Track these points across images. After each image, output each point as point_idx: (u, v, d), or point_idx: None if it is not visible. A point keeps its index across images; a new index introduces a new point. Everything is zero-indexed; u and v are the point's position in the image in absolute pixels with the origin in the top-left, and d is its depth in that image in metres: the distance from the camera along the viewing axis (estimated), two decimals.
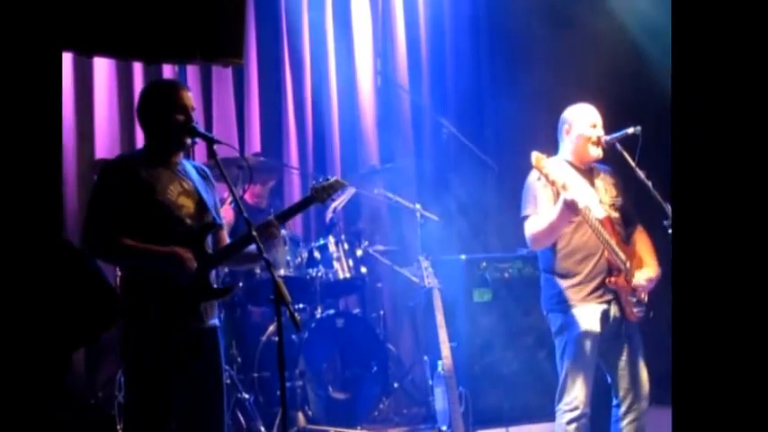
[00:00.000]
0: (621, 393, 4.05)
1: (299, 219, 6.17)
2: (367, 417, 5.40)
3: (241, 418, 5.11)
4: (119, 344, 3.34)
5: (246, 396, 5.08)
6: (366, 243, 5.75)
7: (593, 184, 4.11)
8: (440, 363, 4.80)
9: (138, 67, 5.63)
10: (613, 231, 3.97)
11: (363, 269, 5.61)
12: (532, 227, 3.98)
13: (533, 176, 4.04)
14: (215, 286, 3.46)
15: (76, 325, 2.80)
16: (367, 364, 5.42)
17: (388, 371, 5.58)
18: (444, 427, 4.79)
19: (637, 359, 4.05)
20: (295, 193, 6.16)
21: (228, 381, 4.85)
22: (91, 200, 3.39)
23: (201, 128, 3.44)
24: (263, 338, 5.29)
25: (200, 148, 4.88)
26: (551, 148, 4.15)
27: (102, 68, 5.52)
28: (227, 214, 4.93)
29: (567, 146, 4.15)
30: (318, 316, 5.37)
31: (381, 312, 6.01)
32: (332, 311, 5.45)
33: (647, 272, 4.05)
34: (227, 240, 3.58)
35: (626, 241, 4.09)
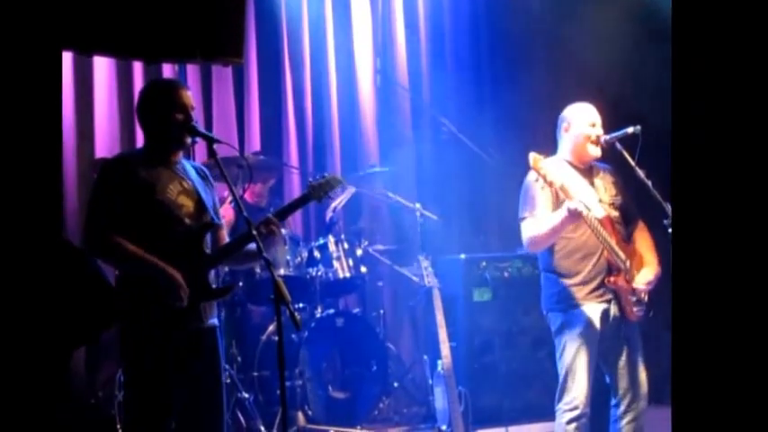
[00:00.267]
0: (620, 393, 4.05)
1: (299, 218, 6.18)
2: (367, 416, 5.40)
3: (241, 418, 5.11)
4: (118, 344, 3.34)
5: (246, 395, 5.09)
6: (366, 242, 5.75)
7: (592, 183, 4.11)
8: (439, 362, 4.80)
9: (137, 67, 5.63)
10: (613, 231, 3.97)
11: (363, 268, 5.62)
12: (530, 230, 3.98)
13: (531, 177, 4.04)
14: (214, 286, 3.46)
15: (76, 325, 2.80)
16: (367, 364, 5.42)
17: (388, 370, 5.59)
18: (444, 427, 4.79)
19: (636, 359, 4.05)
20: (295, 192, 6.16)
21: (228, 380, 4.86)
22: (91, 199, 3.39)
23: (201, 127, 3.44)
24: (263, 338, 5.29)
25: (200, 147, 4.88)
26: (551, 147, 4.15)
27: (102, 68, 5.52)
28: (227, 213, 4.94)
29: (566, 145, 4.14)
30: (318, 315, 5.37)
31: (381, 312, 6.01)
32: (332, 311, 5.45)
33: (645, 274, 4.05)
34: (227, 240, 3.58)
35: (626, 240, 4.09)
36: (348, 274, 5.49)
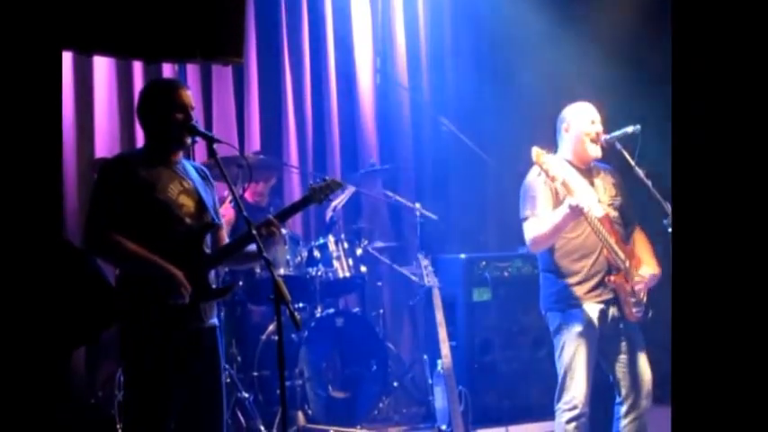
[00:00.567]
0: (623, 392, 4.05)
1: (298, 217, 6.18)
2: (367, 416, 5.40)
3: (241, 418, 5.11)
4: (118, 344, 3.34)
5: (246, 395, 5.09)
6: (366, 242, 5.75)
7: (592, 183, 4.11)
8: (439, 362, 4.80)
9: (137, 66, 5.62)
10: (612, 230, 3.97)
11: (363, 268, 5.62)
12: (532, 229, 3.97)
13: (531, 176, 4.04)
14: (214, 286, 3.46)
15: (76, 324, 2.80)
16: (367, 363, 5.42)
17: (388, 370, 5.58)
18: (444, 426, 4.79)
19: (638, 358, 4.04)
20: (295, 192, 6.16)
21: (228, 380, 4.86)
22: (91, 198, 3.39)
23: (201, 127, 3.44)
24: (263, 337, 5.29)
25: (199, 147, 4.88)
26: (551, 147, 4.14)
27: (102, 67, 5.52)
28: (227, 213, 4.94)
29: (566, 144, 4.14)
30: (318, 315, 5.37)
31: (381, 311, 6.02)
32: (332, 310, 5.45)
33: (646, 269, 4.06)
34: (227, 240, 3.58)
35: (625, 241, 4.09)
36: (348, 274, 5.49)
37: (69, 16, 3.15)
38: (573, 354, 3.96)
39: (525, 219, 4.02)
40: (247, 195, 5.62)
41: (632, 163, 4.00)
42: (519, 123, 6.18)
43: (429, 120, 6.66)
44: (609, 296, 3.99)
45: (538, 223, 3.95)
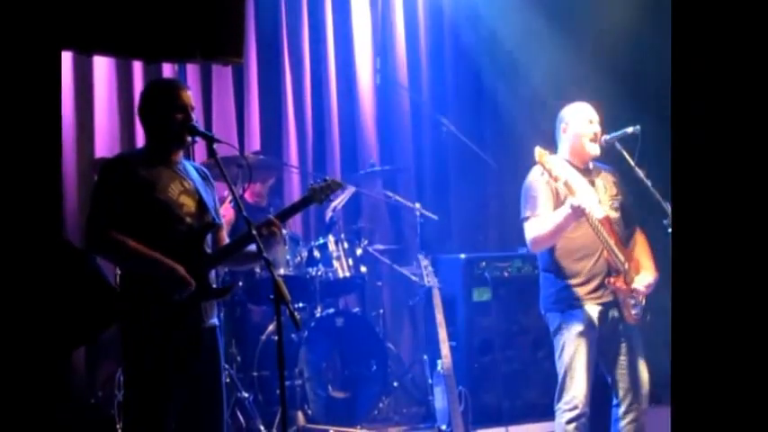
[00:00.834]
0: (621, 393, 4.05)
1: (298, 217, 6.18)
2: (366, 416, 5.40)
3: (241, 418, 5.11)
4: (119, 343, 3.34)
5: (246, 395, 5.09)
6: (366, 242, 5.75)
7: (592, 183, 4.11)
8: (439, 362, 4.80)
9: (137, 66, 5.63)
10: (612, 231, 3.96)
11: (363, 268, 5.62)
12: (533, 229, 3.97)
13: (532, 176, 4.04)
14: (214, 286, 3.46)
15: (76, 324, 2.80)
16: (366, 363, 5.42)
17: (388, 370, 5.58)
18: (444, 426, 4.79)
19: (636, 359, 4.05)
20: (295, 192, 6.16)
21: (228, 380, 4.86)
22: (92, 198, 3.40)
23: (201, 127, 3.44)
24: (263, 337, 5.29)
25: (199, 147, 4.88)
26: (551, 147, 4.14)
27: (102, 67, 5.52)
28: (226, 213, 4.93)
29: (565, 144, 4.15)
30: (318, 315, 5.37)
31: (381, 311, 6.02)
32: (331, 310, 5.45)
33: (645, 277, 4.05)
34: (227, 241, 3.58)
35: (624, 242, 4.09)
36: (348, 274, 5.49)
37: (69, 16, 3.15)
38: (573, 354, 3.96)
39: (526, 219, 4.02)
40: (247, 195, 5.62)
41: (632, 163, 4.00)
42: (519, 123, 6.19)
43: (429, 120, 6.66)
44: (609, 298, 3.99)
45: (539, 223, 3.95)
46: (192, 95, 3.45)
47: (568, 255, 4.02)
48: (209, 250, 3.42)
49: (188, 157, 3.77)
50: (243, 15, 3.73)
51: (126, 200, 3.27)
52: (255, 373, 5.23)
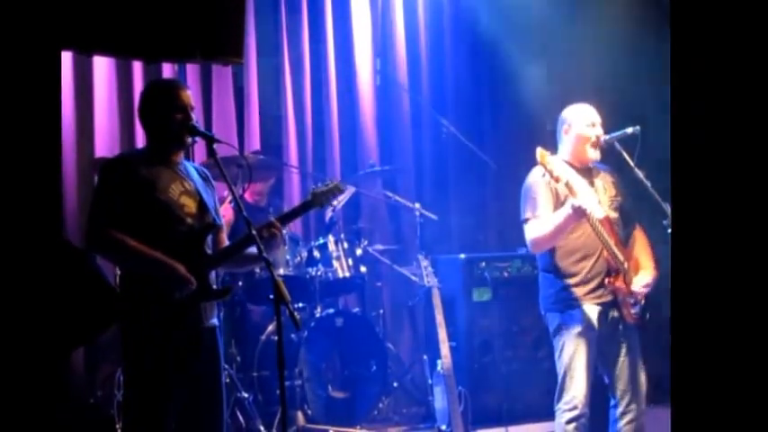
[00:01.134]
0: (619, 394, 4.05)
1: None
2: (366, 416, 5.39)
3: (240, 418, 5.11)
4: (119, 344, 3.34)
5: (246, 395, 5.08)
6: (365, 242, 5.75)
7: (592, 183, 4.11)
8: (439, 362, 4.80)
9: (137, 66, 5.62)
10: (611, 231, 3.97)
11: (363, 268, 5.61)
12: (534, 230, 3.97)
13: (532, 177, 4.04)
14: (214, 287, 3.46)
15: (76, 325, 2.80)
16: (366, 364, 5.42)
17: (388, 370, 5.58)
18: (444, 427, 4.79)
19: (635, 360, 4.05)
20: (294, 192, 6.16)
21: (228, 380, 4.85)
22: (93, 198, 3.40)
23: (201, 127, 3.44)
24: (263, 337, 5.29)
25: (199, 147, 4.88)
26: (551, 147, 4.14)
27: (102, 67, 5.52)
28: (226, 213, 4.93)
29: (565, 146, 4.14)
30: (318, 315, 5.36)
31: (381, 311, 6.01)
32: (331, 310, 5.45)
33: (643, 277, 4.05)
34: (226, 242, 3.58)
35: (624, 242, 4.09)
36: (348, 274, 5.49)
37: (69, 16, 3.15)
38: (572, 354, 3.96)
39: (526, 220, 4.02)
40: (247, 195, 5.62)
41: (632, 164, 4.00)
42: (518, 124, 6.19)
43: (429, 120, 6.66)
44: (608, 298, 3.99)
45: (539, 224, 3.95)
46: (191, 95, 3.45)
47: (569, 255, 4.02)
48: (209, 251, 3.42)
49: (188, 157, 3.77)
50: (243, 15, 3.73)
51: (126, 200, 3.27)
52: (255, 374, 5.22)
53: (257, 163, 5.27)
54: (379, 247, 5.95)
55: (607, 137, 4.06)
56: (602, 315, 3.98)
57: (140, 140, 5.45)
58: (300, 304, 5.41)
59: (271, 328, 5.28)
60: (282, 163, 6.10)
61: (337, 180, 4.04)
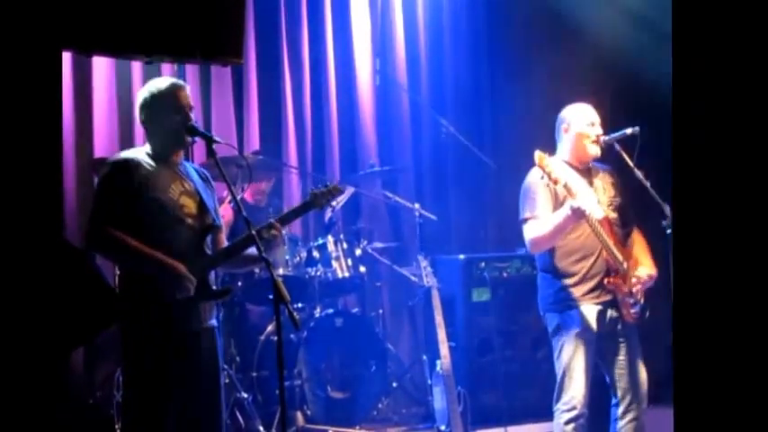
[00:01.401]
0: (620, 393, 4.06)
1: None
2: (366, 416, 5.40)
3: (240, 418, 5.11)
4: (119, 344, 3.34)
5: (245, 395, 5.08)
6: (365, 242, 5.75)
7: (591, 183, 4.11)
8: (438, 362, 4.80)
9: (137, 66, 5.62)
10: (611, 232, 3.97)
11: (362, 268, 5.61)
12: (533, 231, 3.97)
13: (531, 177, 4.04)
14: (214, 287, 3.46)
15: (76, 325, 2.80)
16: (366, 364, 5.42)
17: (387, 370, 5.59)
18: (443, 427, 4.80)
19: (635, 359, 4.05)
20: (294, 192, 6.17)
21: (227, 380, 4.85)
22: (94, 198, 3.41)
23: (200, 127, 3.44)
24: (262, 338, 5.29)
25: (199, 147, 4.88)
26: (550, 147, 4.15)
27: (102, 67, 5.52)
28: (225, 214, 4.94)
29: (565, 145, 4.15)
30: (317, 315, 5.37)
31: (380, 312, 6.01)
32: (331, 311, 5.45)
33: (644, 269, 4.06)
34: (225, 243, 3.58)
35: (623, 242, 4.09)
36: (347, 274, 5.49)
37: (69, 16, 3.15)
38: (571, 354, 3.96)
39: (525, 221, 4.02)
40: (247, 195, 5.62)
41: (631, 164, 4.00)
42: (518, 124, 6.18)
43: (428, 121, 6.66)
44: (607, 298, 4.00)
45: (538, 225, 3.95)
46: (190, 95, 3.46)
47: (568, 255, 4.02)
48: (208, 251, 3.42)
49: (187, 157, 3.77)
50: (243, 15, 3.72)
51: (126, 200, 3.27)
52: (254, 374, 5.23)
53: (257, 163, 5.27)
54: (379, 246, 5.95)
55: (606, 137, 4.06)
56: (602, 315, 3.99)
57: (140, 140, 5.43)
58: (300, 304, 5.41)
59: (270, 328, 5.29)
60: (282, 163, 6.10)
61: (336, 182, 4.05)
